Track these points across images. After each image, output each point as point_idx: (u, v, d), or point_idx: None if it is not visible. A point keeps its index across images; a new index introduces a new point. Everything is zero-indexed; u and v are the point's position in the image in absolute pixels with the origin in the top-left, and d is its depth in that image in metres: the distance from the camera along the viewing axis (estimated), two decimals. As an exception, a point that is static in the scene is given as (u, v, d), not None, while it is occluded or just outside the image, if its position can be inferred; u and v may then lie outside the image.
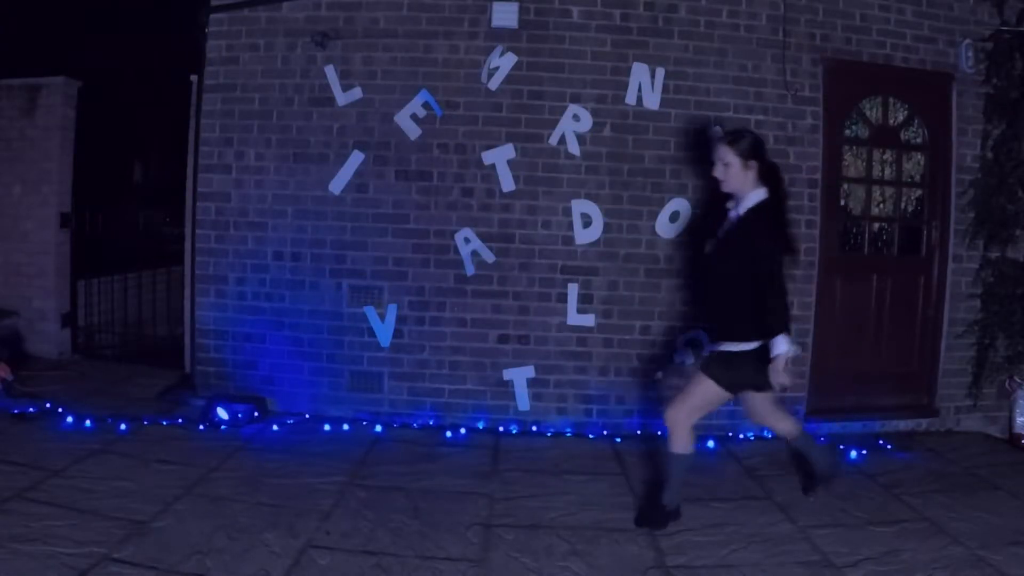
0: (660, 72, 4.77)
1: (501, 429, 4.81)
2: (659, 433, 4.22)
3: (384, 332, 4.86)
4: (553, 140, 4.80)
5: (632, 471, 4.19)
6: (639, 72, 4.77)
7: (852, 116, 5.15)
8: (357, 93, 4.80)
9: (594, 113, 4.78)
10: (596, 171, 4.82)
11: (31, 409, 4.54)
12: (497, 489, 3.85)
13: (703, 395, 3.31)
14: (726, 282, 3.30)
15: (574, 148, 4.79)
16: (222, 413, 4.60)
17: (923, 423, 5.18)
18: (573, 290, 4.83)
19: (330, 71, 4.79)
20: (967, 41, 5.03)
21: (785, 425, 3.67)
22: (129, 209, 8.33)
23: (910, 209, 5.36)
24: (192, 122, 5.20)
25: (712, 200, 3.49)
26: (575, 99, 4.78)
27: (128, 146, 10.99)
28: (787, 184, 3.54)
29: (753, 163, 3.27)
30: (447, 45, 4.78)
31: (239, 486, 3.67)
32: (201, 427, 4.53)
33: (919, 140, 5.28)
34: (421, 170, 4.82)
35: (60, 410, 4.53)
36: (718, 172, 3.33)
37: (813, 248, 4.93)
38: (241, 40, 4.87)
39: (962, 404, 5.22)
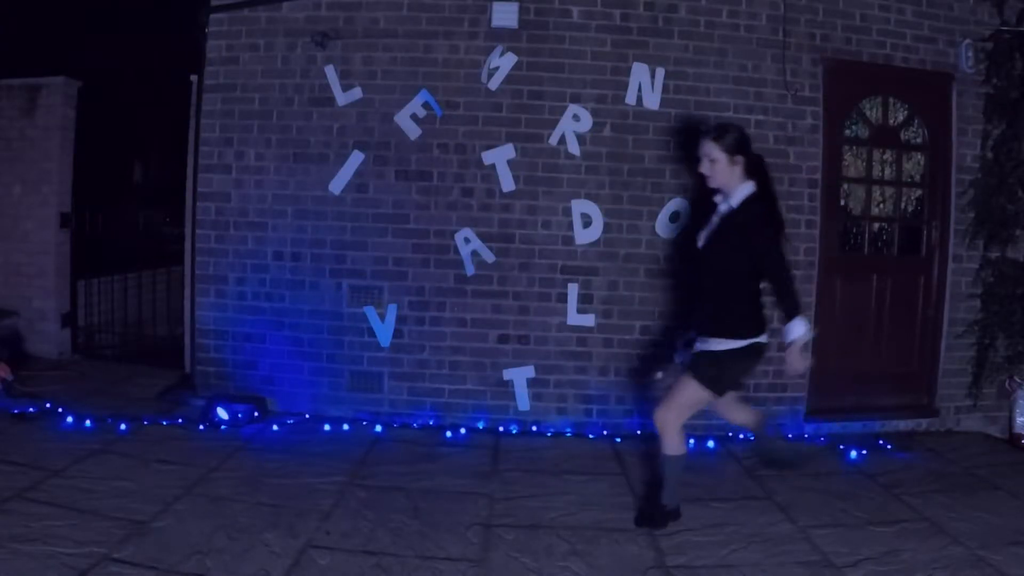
0: (660, 72, 4.78)
1: (501, 429, 4.81)
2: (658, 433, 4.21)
3: (384, 332, 4.86)
4: (553, 140, 4.80)
5: (632, 471, 4.20)
6: (639, 72, 4.77)
7: (852, 116, 5.15)
8: (357, 93, 4.80)
9: (594, 113, 4.78)
10: (596, 171, 4.82)
11: (31, 409, 4.54)
12: (497, 489, 3.85)
13: (690, 396, 3.29)
14: (718, 277, 3.28)
15: (574, 148, 4.79)
16: (222, 413, 4.60)
17: (923, 423, 5.18)
18: (573, 290, 4.83)
19: (330, 71, 4.79)
20: (967, 41, 5.03)
21: (746, 416, 3.63)
22: (129, 209, 8.33)
23: (910, 209, 5.36)
24: (192, 122, 5.20)
25: (708, 198, 3.47)
26: (575, 99, 4.78)
27: (128, 146, 10.98)
28: (774, 176, 3.53)
29: (739, 158, 3.25)
30: (447, 45, 4.78)
31: (239, 486, 3.67)
32: (201, 427, 4.53)
33: (919, 140, 5.28)
34: (421, 170, 4.82)
35: (60, 410, 4.53)
36: (704, 168, 3.31)
37: (813, 248, 4.93)
38: (241, 40, 4.87)
39: (962, 404, 5.22)
